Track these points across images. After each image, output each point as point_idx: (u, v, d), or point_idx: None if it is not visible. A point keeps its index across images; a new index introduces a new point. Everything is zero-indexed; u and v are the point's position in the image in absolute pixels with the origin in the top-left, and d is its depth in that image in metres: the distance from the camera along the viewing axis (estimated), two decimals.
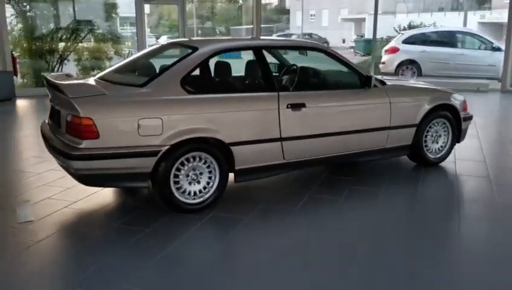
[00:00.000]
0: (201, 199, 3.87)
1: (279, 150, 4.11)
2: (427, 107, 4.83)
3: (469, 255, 3.24)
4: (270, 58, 5.12)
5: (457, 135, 5.19)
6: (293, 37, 39.32)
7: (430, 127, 4.99)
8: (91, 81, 4.01)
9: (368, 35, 31.31)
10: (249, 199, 4.22)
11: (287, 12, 51.06)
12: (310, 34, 41.56)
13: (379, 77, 5.12)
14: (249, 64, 4.51)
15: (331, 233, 3.57)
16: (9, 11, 11.20)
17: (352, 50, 29.35)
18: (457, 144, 5.22)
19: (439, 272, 2.97)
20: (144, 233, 3.51)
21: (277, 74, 5.22)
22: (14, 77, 10.14)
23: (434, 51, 12.70)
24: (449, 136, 5.14)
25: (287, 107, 4.07)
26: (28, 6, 11.28)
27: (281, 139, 4.08)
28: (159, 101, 3.64)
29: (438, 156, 5.12)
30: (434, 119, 4.97)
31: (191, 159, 3.78)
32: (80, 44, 12.00)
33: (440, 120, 5.03)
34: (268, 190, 4.46)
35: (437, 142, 5.10)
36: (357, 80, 4.54)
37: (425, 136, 4.98)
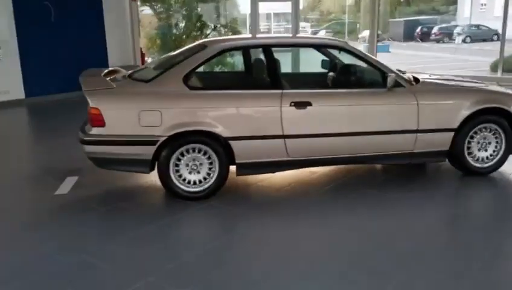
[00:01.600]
0: (201, 188, 4.15)
1: (282, 147, 4.16)
2: (468, 110, 4.37)
3: None
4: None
5: None
6: (457, 29, 36.50)
7: (475, 133, 4.50)
8: (120, 76, 4.52)
9: None
10: (254, 193, 4.37)
11: (455, 2, 47.49)
12: (478, 26, 38.02)
13: (415, 74, 4.76)
14: (256, 62, 4.60)
15: (295, 234, 3.57)
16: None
17: None
18: None
19: None
20: (133, 214, 3.94)
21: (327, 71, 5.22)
22: None
23: None
24: (502, 144, 4.56)
25: (290, 105, 4.10)
26: (161, 8, 12.66)
27: (283, 136, 4.13)
28: (158, 95, 4.00)
29: (486, 165, 4.59)
30: (480, 124, 4.47)
31: (191, 150, 4.08)
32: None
33: (490, 125, 4.50)
34: (273, 186, 4.52)
35: (486, 150, 4.57)
36: (380, 79, 4.33)
37: (470, 143, 4.51)
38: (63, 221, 3.88)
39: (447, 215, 3.97)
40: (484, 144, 4.55)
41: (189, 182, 4.13)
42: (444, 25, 38.03)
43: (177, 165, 4.08)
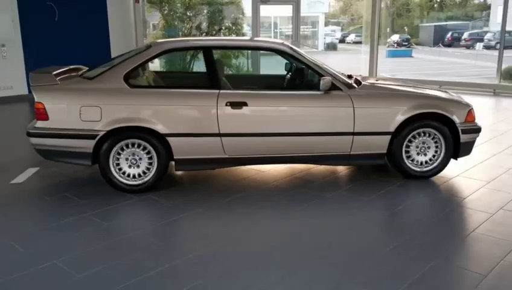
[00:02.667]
0: (140, 182, 4.37)
1: (219, 145, 4.34)
2: (404, 115, 4.45)
3: None
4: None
5: (455, 149, 4.63)
6: (488, 35, 35.69)
7: (414, 137, 4.57)
8: (72, 74, 4.74)
9: None
10: (194, 188, 4.56)
11: (489, 8, 46.45)
12: (510, 32, 37.14)
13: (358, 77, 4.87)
14: (197, 63, 4.78)
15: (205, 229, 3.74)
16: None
17: None
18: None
19: None
20: (75, 203, 4.19)
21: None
22: None
23: None
24: (442, 149, 4.62)
25: (226, 105, 4.27)
26: (166, 10, 13.01)
27: (219, 134, 4.31)
28: (99, 92, 4.25)
29: (425, 169, 4.66)
30: (418, 129, 4.54)
31: (130, 145, 4.30)
32: None
33: (429, 130, 4.56)
34: (216, 184, 4.71)
35: (425, 154, 4.64)
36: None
37: (408, 146, 4.58)
38: (5, 207, 4.16)
39: (372, 216, 4.03)
40: (423, 148, 4.62)
41: (128, 175, 4.36)
42: (474, 31, 37.28)
43: (117, 158, 4.31)
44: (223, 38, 5.54)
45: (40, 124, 4.25)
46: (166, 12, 12.93)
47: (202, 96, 4.33)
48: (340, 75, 4.60)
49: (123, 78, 4.29)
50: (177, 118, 4.30)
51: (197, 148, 4.36)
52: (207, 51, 4.48)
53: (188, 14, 12.93)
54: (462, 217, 3.91)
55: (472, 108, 4.69)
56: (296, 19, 11.91)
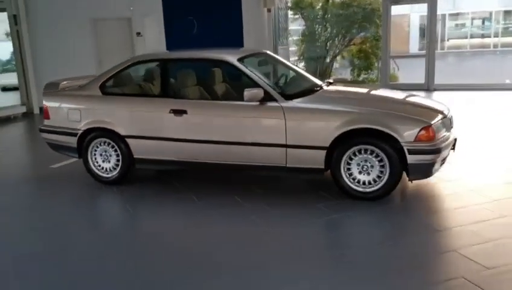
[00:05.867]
0: (110, 175, 5.10)
1: (167, 148, 4.76)
2: (338, 130, 4.11)
3: None
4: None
5: (403, 170, 4.07)
6: None
7: (355, 154, 4.18)
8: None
9: None
10: (150, 187, 5.10)
11: None
12: None
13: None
14: (155, 73, 5.11)
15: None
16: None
17: None
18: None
19: None
20: (67, 188, 5.23)
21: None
22: None
23: None
24: (387, 169, 4.10)
25: (170, 112, 4.67)
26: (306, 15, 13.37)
27: (166, 139, 4.74)
28: (80, 97, 5.12)
29: (368, 190, 4.19)
30: (357, 145, 4.14)
31: (102, 144, 5.07)
32: (351, 46, 13.19)
33: (371, 147, 4.12)
34: (169, 183, 5.14)
35: (368, 174, 4.18)
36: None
37: (349, 164, 4.22)
38: (22, 179, 5.52)
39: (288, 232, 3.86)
40: (365, 167, 4.17)
41: (103, 169, 5.13)
42: None
43: (94, 154, 5.13)
44: (179, 52, 5.75)
45: (45, 122, 5.35)
46: (307, 18, 13.29)
47: (152, 103, 4.81)
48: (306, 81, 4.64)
49: (99, 87, 5.07)
50: (134, 122, 4.87)
51: (151, 150, 4.84)
52: (161, 63, 4.95)
53: (327, 18, 13.05)
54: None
55: (429, 125, 4.00)
56: (431, 18, 10.90)
